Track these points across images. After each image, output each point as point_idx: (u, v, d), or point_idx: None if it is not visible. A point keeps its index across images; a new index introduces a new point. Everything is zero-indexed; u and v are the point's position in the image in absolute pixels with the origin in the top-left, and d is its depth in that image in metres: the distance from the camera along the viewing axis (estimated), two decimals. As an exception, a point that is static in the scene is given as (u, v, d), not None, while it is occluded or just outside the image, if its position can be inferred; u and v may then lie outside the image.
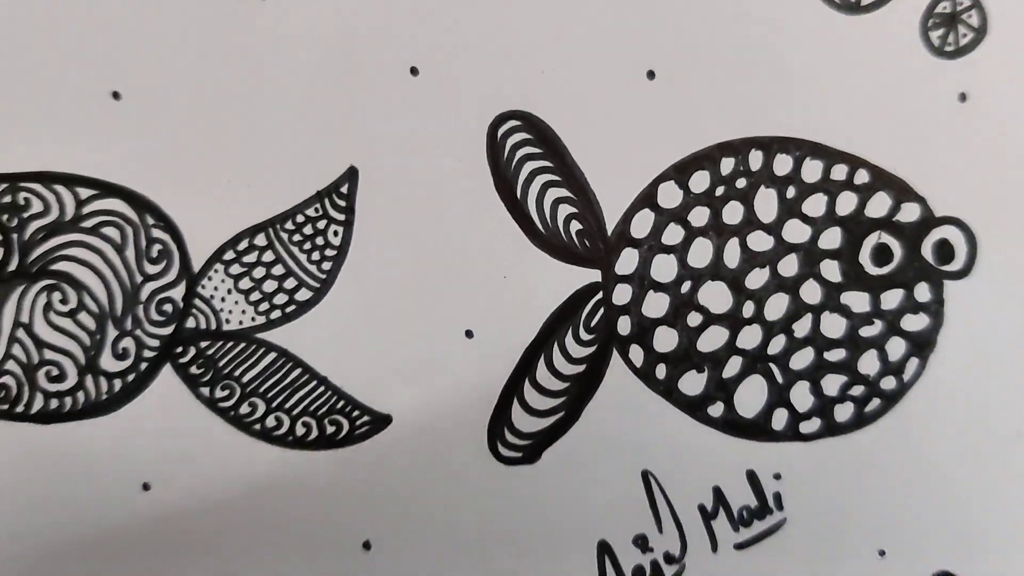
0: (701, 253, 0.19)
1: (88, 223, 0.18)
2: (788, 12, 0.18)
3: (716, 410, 0.19)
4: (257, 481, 0.19)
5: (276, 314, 0.19)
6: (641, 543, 0.20)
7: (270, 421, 0.19)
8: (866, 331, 0.19)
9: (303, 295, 0.18)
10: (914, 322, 0.19)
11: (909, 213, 0.19)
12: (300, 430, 0.19)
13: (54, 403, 0.18)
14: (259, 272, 0.19)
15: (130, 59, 0.18)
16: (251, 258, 0.18)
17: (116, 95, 0.19)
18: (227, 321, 0.18)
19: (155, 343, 0.18)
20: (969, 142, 0.19)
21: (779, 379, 0.20)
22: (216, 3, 0.18)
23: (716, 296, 0.19)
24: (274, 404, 0.19)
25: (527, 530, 0.20)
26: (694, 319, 0.19)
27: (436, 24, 0.18)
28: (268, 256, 0.19)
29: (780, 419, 0.20)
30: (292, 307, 0.18)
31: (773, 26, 0.18)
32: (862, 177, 0.19)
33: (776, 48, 0.18)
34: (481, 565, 0.19)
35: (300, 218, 0.18)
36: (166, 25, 0.18)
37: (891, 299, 0.19)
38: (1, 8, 0.18)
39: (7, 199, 0.18)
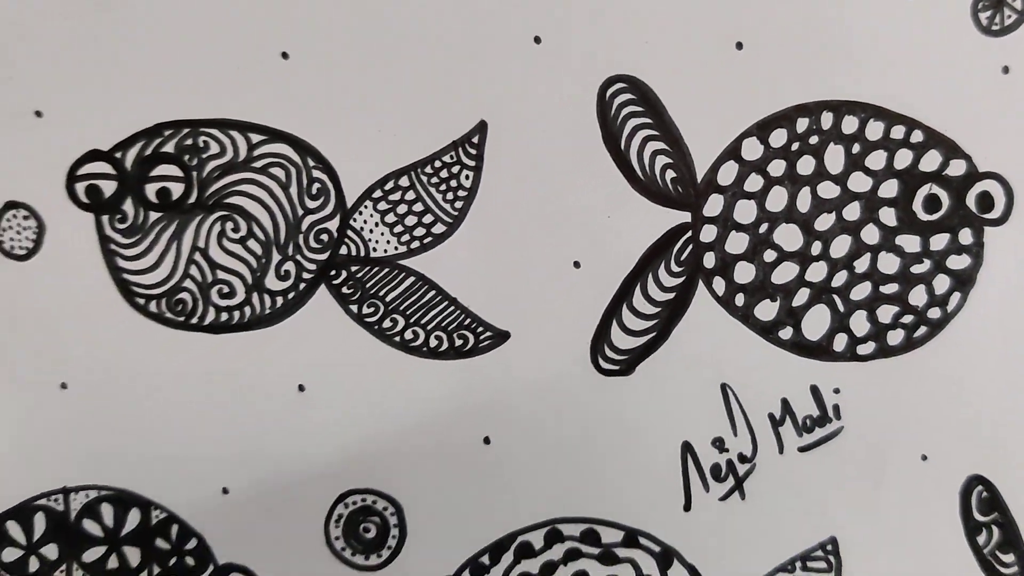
0: (777, 199, 0.21)
1: (258, 164, 0.20)
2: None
3: (786, 333, 0.22)
4: (395, 385, 0.22)
5: (415, 244, 0.21)
6: (718, 445, 0.22)
7: (408, 334, 0.21)
8: (916, 269, 0.22)
9: (438, 229, 0.21)
10: (958, 262, 0.22)
11: (956, 168, 0.21)
12: (433, 342, 0.21)
13: (224, 316, 0.21)
14: (402, 208, 0.21)
15: (296, 25, 0.20)
16: (396, 196, 0.21)
17: (284, 55, 0.21)
18: (374, 249, 0.21)
19: (312, 267, 0.20)
20: (1010, 108, 0.21)
21: (840, 308, 0.22)
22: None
23: (789, 236, 0.21)
24: (412, 320, 0.21)
25: (622, 432, 0.22)
26: (769, 256, 0.21)
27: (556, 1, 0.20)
28: (410, 195, 0.21)
29: (840, 342, 0.22)
30: (429, 239, 0.21)
31: (845, 8, 0.20)
32: (917, 136, 0.21)
33: (847, 25, 0.20)
34: (582, 459, 0.21)
35: (437, 163, 0.21)
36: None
37: (938, 242, 0.22)
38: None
39: (189, 141, 0.20)
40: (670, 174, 0.21)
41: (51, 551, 0.21)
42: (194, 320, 0.21)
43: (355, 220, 0.21)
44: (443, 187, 0.20)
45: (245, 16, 0.20)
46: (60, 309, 0.21)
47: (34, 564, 0.21)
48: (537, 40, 0.21)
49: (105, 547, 0.21)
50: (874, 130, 0.21)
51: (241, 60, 0.20)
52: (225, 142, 0.20)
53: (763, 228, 0.21)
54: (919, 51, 0.21)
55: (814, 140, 0.21)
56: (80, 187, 0.20)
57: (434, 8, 0.20)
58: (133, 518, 0.21)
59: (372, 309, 0.21)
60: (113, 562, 0.21)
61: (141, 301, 0.20)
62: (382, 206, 0.20)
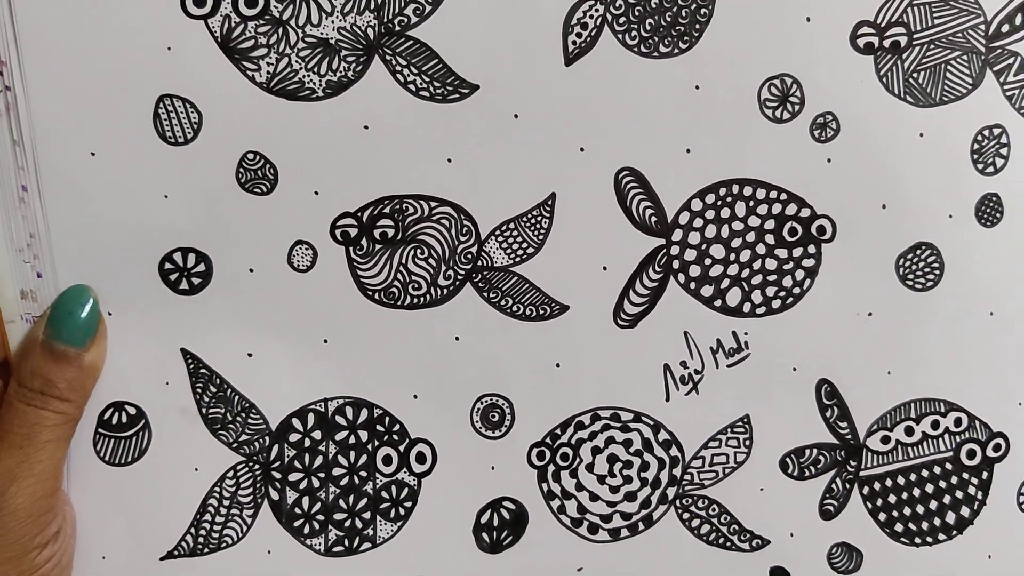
0: (710, 231, 0.35)
1: (435, 217, 0.30)
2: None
3: (718, 303, 0.32)
4: (505, 331, 0.31)
5: (517, 258, 0.31)
6: (683, 364, 0.31)
7: (515, 307, 0.31)
8: (785, 267, 0.34)
9: (531, 250, 0.35)
10: (808, 263, 0.34)
11: (804, 212, 0.36)
12: (528, 312, 0.31)
13: (415, 300, 0.31)
14: (512, 237, 0.35)
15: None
16: (508, 231, 0.35)
17: (449, 160, 0.31)
18: (496, 262, 0.31)
19: (463, 273, 0.31)
20: (834, 178, 0.33)
21: (746, 288, 0.32)
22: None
23: (718, 251, 0.32)
24: (517, 299, 0.31)
25: (631, 359, 0.32)
26: (708, 262, 0.31)
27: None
28: (514, 230, 0.36)
29: (747, 307, 0.32)
30: (524, 255, 0.35)
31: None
32: (784, 196, 0.36)
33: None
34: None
35: (534, 214, 0.35)
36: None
37: (797, 252, 0.32)
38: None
39: (397, 206, 0.30)
40: (651, 217, 0.31)
41: (316, 435, 0.31)
42: (398, 303, 0.31)
43: (487, 246, 0.31)
44: (533, 226, 0.31)
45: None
46: (331, 301, 0.30)
47: (306, 442, 0.32)
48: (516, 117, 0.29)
49: (347, 431, 0.31)
50: (760, 193, 0.31)
51: (415, 165, 0.30)
52: (417, 206, 0.30)
53: (704, 247, 0.32)
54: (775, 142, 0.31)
55: (729, 199, 0.31)
56: (337, 232, 0.30)
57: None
58: (364, 414, 0.31)
59: (495, 295, 0.31)
60: (352, 439, 0.31)
61: (370, 293, 0.30)
62: (500, 238, 0.31)
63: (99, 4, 0.28)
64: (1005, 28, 0.32)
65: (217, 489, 0.31)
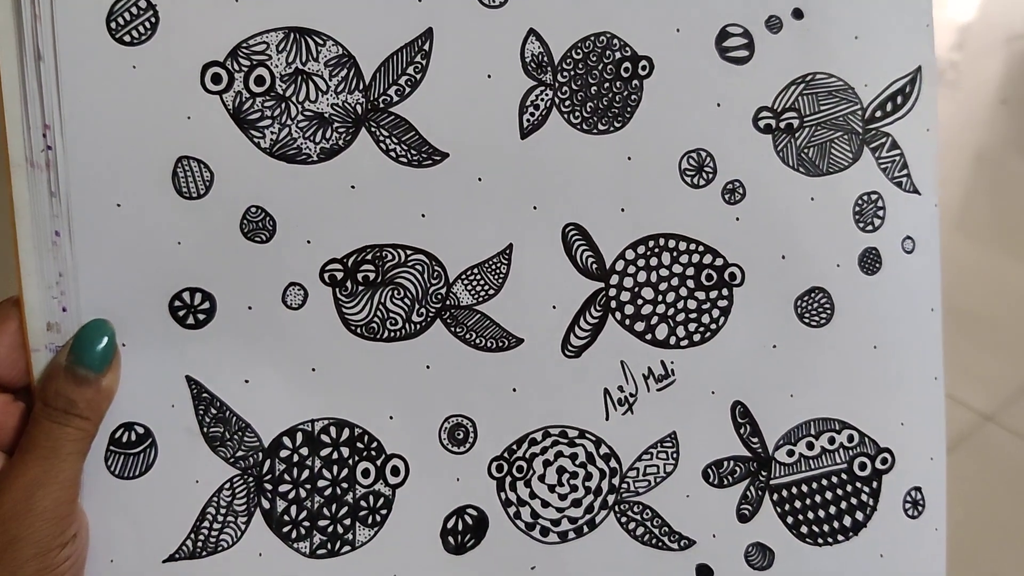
0: (642, 276, 0.42)
1: (409, 263, 0.37)
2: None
3: (648, 336, 0.35)
4: (464, 359, 0.39)
5: (482, 298, 0.41)
6: (620, 388, 0.35)
7: (475, 339, 0.41)
8: (703, 306, 0.41)
9: (492, 292, 0.41)
10: (722, 303, 0.42)
11: (719, 262, 0.42)
12: (485, 343, 0.41)
13: (391, 334, 0.35)
14: (476, 280, 0.41)
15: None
16: (473, 275, 0.41)
17: (423, 215, 0.40)
18: (461, 300, 0.39)
19: (434, 310, 0.34)
20: (742, 240, 0.42)
21: (671, 324, 0.37)
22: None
23: (648, 293, 0.37)
24: (477, 331, 0.41)
25: (575, 384, 0.40)
26: (639, 302, 0.38)
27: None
28: (478, 275, 0.41)
29: (672, 339, 0.36)
30: (485, 297, 0.41)
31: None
32: (701, 248, 0.43)
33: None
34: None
35: (484, 265, 0.41)
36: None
37: (712, 294, 0.42)
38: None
39: (378, 253, 0.39)
40: (592, 264, 0.35)
41: (304, 451, 0.34)
42: (377, 336, 0.34)
43: (454, 288, 0.34)
44: (493, 271, 0.35)
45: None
46: (319, 335, 0.34)
47: (295, 458, 0.34)
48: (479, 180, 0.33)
49: (331, 448, 0.34)
50: (682, 246, 0.36)
51: (394, 219, 0.34)
52: (395, 253, 0.33)
53: (636, 289, 0.35)
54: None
55: (656, 249, 0.35)
56: (326, 275, 0.33)
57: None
58: (345, 433, 0.34)
59: (461, 330, 0.34)
60: (335, 455, 0.34)
61: (354, 327, 0.33)
62: (465, 281, 0.35)
63: (132, 80, 0.33)
64: (878, 114, 0.38)
65: (215, 499, 0.34)
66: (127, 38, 0.30)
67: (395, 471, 0.34)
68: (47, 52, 0.30)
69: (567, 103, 0.34)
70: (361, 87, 0.32)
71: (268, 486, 0.33)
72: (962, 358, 1.04)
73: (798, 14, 0.34)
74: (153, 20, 0.31)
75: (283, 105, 0.32)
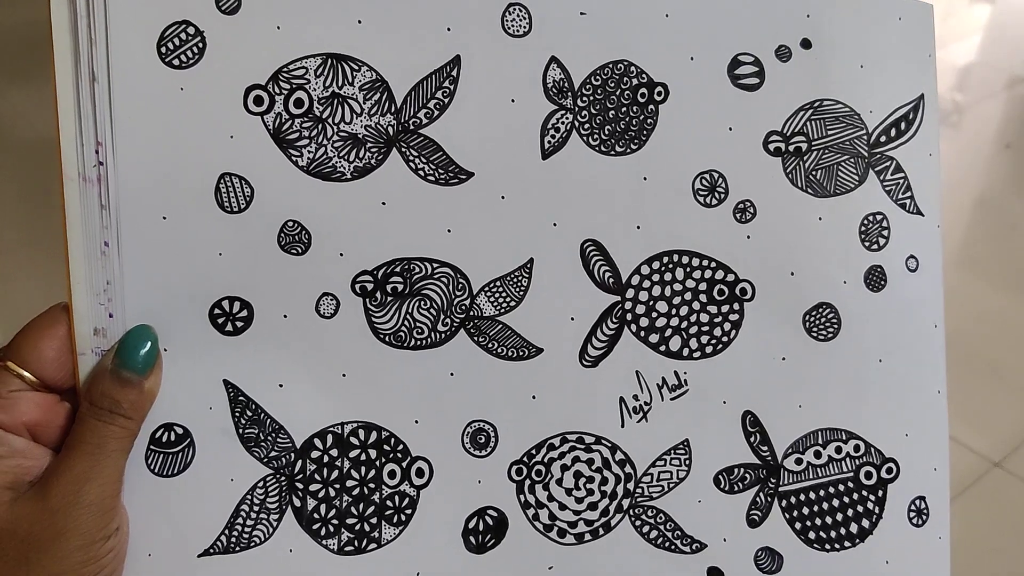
0: (656, 290, 0.44)
1: (435, 276, 0.39)
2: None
3: (662, 347, 0.39)
4: (488, 365, 0.41)
5: (504, 309, 0.42)
6: (635, 397, 0.36)
7: (498, 348, 0.43)
8: (716, 320, 0.43)
9: (512, 304, 0.42)
10: (733, 316, 0.43)
11: (730, 278, 0.44)
12: (505, 352, 0.43)
13: (418, 343, 0.37)
14: (499, 294, 0.43)
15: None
16: (496, 289, 0.43)
17: (448, 231, 0.42)
18: (484, 311, 0.41)
19: (458, 320, 0.35)
20: (751, 255, 0.44)
21: (684, 336, 0.41)
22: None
23: (661, 306, 0.40)
24: (499, 338, 0.42)
25: (590, 393, 0.42)
26: (654, 315, 0.42)
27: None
28: (502, 289, 0.43)
29: (685, 351, 0.42)
30: (506, 308, 0.43)
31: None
32: (714, 264, 0.45)
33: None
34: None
35: (506, 279, 0.43)
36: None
37: (724, 309, 0.44)
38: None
39: (407, 267, 0.41)
40: (609, 278, 0.37)
41: (333, 452, 0.35)
42: (405, 345, 0.35)
43: (478, 300, 0.36)
44: (515, 284, 0.40)
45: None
46: (349, 343, 0.35)
47: (325, 459, 0.36)
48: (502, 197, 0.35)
49: (359, 449, 0.35)
50: (695, 262, 0.37)
51: (421, 234, 0.36)
52: (422, 266, 0.35)
53: (651, 303, 0.36)
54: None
55: (671, 265, 0.36)
56: (357, 286, 0.34)
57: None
58: (373, 436, 0.35)
59: (484, 339, 0.35)
60: (363, 456, 0.35)
61: (382, 336, 0.34)
62: (488, 293, 0.36)
63: (179, 101, 0.35)
64: (883, 139, 0.40)
65: (249, 497, 0.35)
66: (176, 62, 0.32)
67: (420, 473, 0.35)
68: (101, 74, 0.32)
69: (586, 126, 0.35)
70: (393, 110, 0.34)
71: (299, 485, 0.35)
72: (968, 403, 1.03)
73: (806, 44, 0.36)
74: (200, 45, 0.33)
75: (320, 126, 0.34)
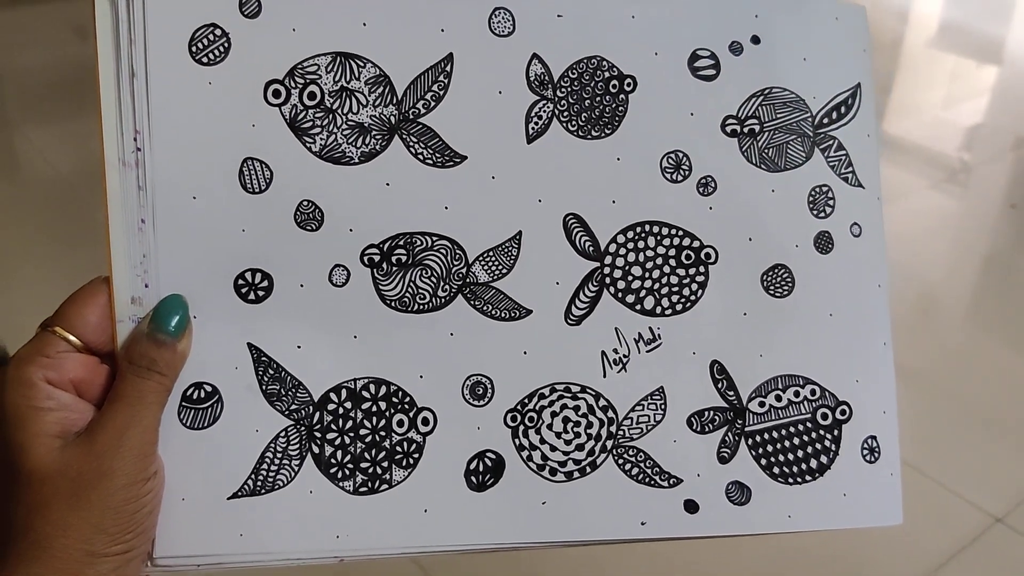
0: (632, 256, 0.48)
1: (435, 249, 0.45)
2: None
3: (638, 306, 0.43)
4: (481, 327, 0.45)
5: (496, 275, 0.46)
6: (614, 351, 0.43)
7: (494, 312, 0.46)
8: (684, 281, 0.47)
9: (504, 271, 0.46)
10: (699, 277, 0.47)
11: (696, 245, 0.48)
12: (496, 313, 0.46)
13: (421, 307, 0.40)
14: (493, 261, 0.46)
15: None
16: (490, 258, 0.46)
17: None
18: (478, 278, 0.45)
19: (456, 287, 0.38)
20: (719, 233, 0.48)
21: (657, 296, 0.45)
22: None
23: (636, 270, 0.45)
24: (488, 298, 0.46)
25: (580, 349, 0.46)
26: (629, 278, 0.44)
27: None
28: (491, 257, 0.47)
29: (658, 309, 0.45)
30: (499, 274, 0.46)
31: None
32: (681, 232, 0.49)
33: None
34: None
35: (497, 249, 0.46)
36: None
37: (692, 271, 0.48)
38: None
39: (409, 240, 0.45)
40: (589, 247, 0.39)
41: (348, 405, 0.36)
42: (408, 309, 0.38)
43: (473, 268, 0.38)
44: (506, 253, 0.45)
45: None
46: (359, 308, 0.39)
47: (340, 410, 0.39)
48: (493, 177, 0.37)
49: (371, 402, 0.37)
50: (664, 231, 0.39)
51: (422, 211, 0.43)
52: (423, 239, 0.37)
53: (627, 267, 0.39)
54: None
55: (643, 234, 0.39)
56: (365, 257, 0.39)
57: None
58: (383, 390, 0.37)
59: (480, 303, 0.38)
60: (374, 408, 0.37)
61: (389, 302, 0.37)
62: (483, 262, 0.39)
63: (207, 94, 0.38)
64: (825, 121, 0.43)
65: (272, 445, 0.37)
66: (204, 59, 0.36)
67: (425, 421, 0.38)
68: (139, 70, 0.35)
69: (565, 114, 0.38)
70: (394, 101, 0.37)
71: (317, 434, 0.37)
72: (972, 459, 1.03)
73: (756, 40, 0.41)
74: (226, 45, 0.36)
75: (331, 116, 0.37)
